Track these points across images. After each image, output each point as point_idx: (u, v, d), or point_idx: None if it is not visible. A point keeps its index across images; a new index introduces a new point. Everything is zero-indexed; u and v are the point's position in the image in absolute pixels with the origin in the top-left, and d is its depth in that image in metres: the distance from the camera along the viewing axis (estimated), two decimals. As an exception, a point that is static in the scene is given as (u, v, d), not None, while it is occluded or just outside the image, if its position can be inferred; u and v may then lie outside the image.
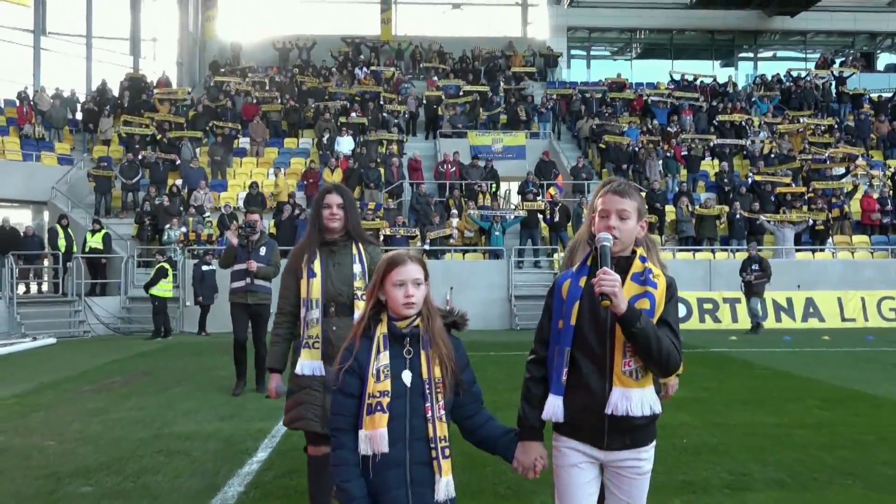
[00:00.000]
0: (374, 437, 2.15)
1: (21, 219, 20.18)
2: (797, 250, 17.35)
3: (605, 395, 2.25)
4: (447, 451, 2.21)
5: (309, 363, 3.37)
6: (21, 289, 15.92)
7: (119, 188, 19.06)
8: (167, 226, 16.25)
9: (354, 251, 3.50)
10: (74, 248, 15.72)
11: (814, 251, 17.59)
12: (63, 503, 4.12)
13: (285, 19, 32.49)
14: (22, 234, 16.13)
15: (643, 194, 18.51)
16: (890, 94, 26.12)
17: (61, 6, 28.80)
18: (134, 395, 7.46)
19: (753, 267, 14.32)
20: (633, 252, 2.38)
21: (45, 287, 17.62)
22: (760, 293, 14.50)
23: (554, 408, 2.28)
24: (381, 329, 2.25)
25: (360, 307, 3.36)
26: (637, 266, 2.34)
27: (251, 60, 28.05)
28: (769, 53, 34.47)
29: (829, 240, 17.92)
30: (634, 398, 2.24)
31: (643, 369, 2.27)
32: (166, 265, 13.93)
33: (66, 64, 28.46)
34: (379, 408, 2.17)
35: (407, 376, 2.22)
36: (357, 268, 3.47)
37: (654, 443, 2.37)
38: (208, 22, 31.51)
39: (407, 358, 2.24)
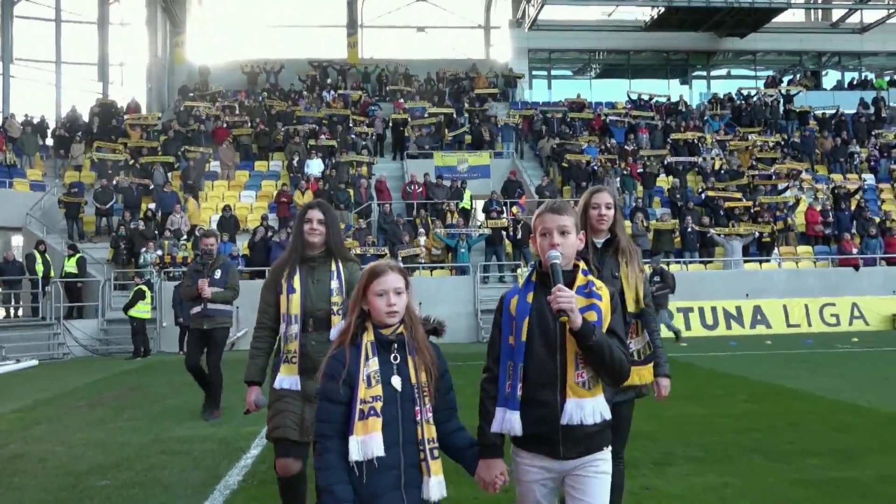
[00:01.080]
0: (369, 441, 2.21)
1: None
2: (745, 261, 18.42)
3: (558, 406, 2.34)
4: (435, 453, 2.31)
5: (287, 377, 3.45)
6: (0, 313, 16.29)
7: (91, 213, 19.45)
8: (143, 249, 16.73)
9: (333, 267, 3.58)
10: (52, 273, 16.15)
11: (761, 262, 18.69)
12: (86, 494, 4.77)
13: (252, 43, 33.14)
14: (2, 259, 16.52)
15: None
16: (833, 111, 27.59)
17: (27, 32, 29.11)
18: (127, 408, 8.06)
19: (655, 279, 14.79)
20: (576, 266, 2.46)
21: (20, 311, 17.93)
22: (664, 305, 15.03)
23: (511, 423, 2.36)
24: (368, 336, 2.33)
25: (336, 323, 3.47)
26: (580, 279, 2.43)
27: (219, 84, 28.56)
28: (723, 72, 35.95)
29: (776, 250, 19.05)
30: (587, 407, 2.33)
31: (594, 379, 2.37)
32: (144, 287, 14.46)
33: (33, 90, 28.74)
34: (373, 412, 2.23)
35: (397, 381, 2.29)
36: (335, 284, 3.55)
37: (608, 448, 2.45)
38: (176, 47, 31.97)
39: (395, 364, 2.31)
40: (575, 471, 2.39)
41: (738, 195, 20.78)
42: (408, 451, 2.26)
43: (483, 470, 2.38)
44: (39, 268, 15.91)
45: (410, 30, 35.12)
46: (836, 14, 34.00)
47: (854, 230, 19.60)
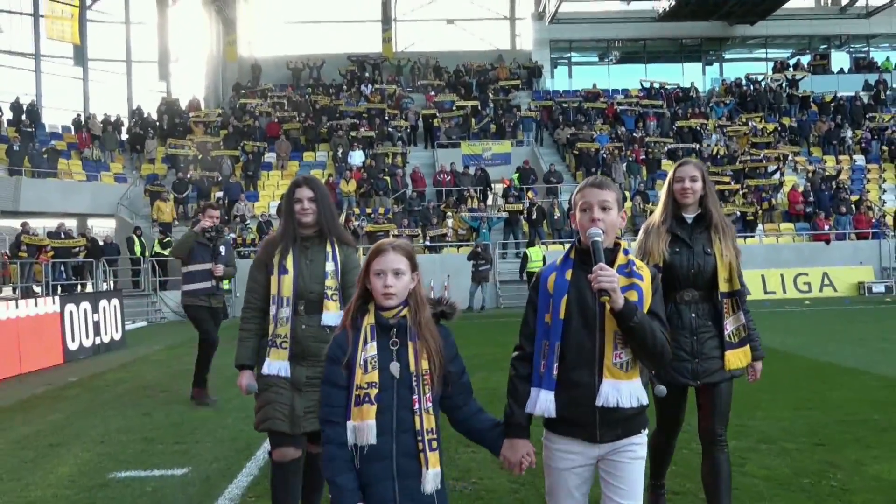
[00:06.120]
0: (363, 428, 2.18)
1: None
2: (731, 237, 21.08)
3: (595, 387, 2.27)
4: (434, 444, 2.22)
5: (276, 363, 3.31)
6: (104, 286, 19.89)
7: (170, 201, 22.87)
8: (219, 232, 20.07)
9: (328, 249, 3.42)
10: (146, 253, 19.64)
11: (745, 237, 21.37)
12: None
13: (294, 39, 36.21)
14: (102, 242, 20.11)
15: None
16: (831, 97, 29.78)
17: (99, 34, 32.61)
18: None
19: (481, 261, 18.44)
20: (617, 244, 2.39)
21: (119, 284, 21.47)
22: (486, 278, 18.64)
23: (546, 403, 2.29)
24: (369, 319, 2.26)
25: (329, 307, 3.36)
26: (622, 258, 2.36)
27: (268, 80, 31.80)
28: (736, 55, 37.91)
29: (759, 227, 21.72)
30: (624, 390, 2.26)
31: (632, 361, 2.29)
32: (226, 264, 17.84)
33: (100, 88, 32.33)
34: (367, 399, 2.18)
35: (395, 367, 2.21)
36: (329, 266, 3.39)
37: (645, 431, 2.40)
38: (228, 45, 35.20)
39: (393, 349, 2.23)
40: (610, 455, 2.36)
41: (727, 179, 23.33)
42: (401, 440, 2.20)
43: (508, 450, 2.33)
44: (138, 248, 19.39)
45: (441, 22, 37.78)
46: (844, -1, 35.80)
47: (831, 209, 22.13)
